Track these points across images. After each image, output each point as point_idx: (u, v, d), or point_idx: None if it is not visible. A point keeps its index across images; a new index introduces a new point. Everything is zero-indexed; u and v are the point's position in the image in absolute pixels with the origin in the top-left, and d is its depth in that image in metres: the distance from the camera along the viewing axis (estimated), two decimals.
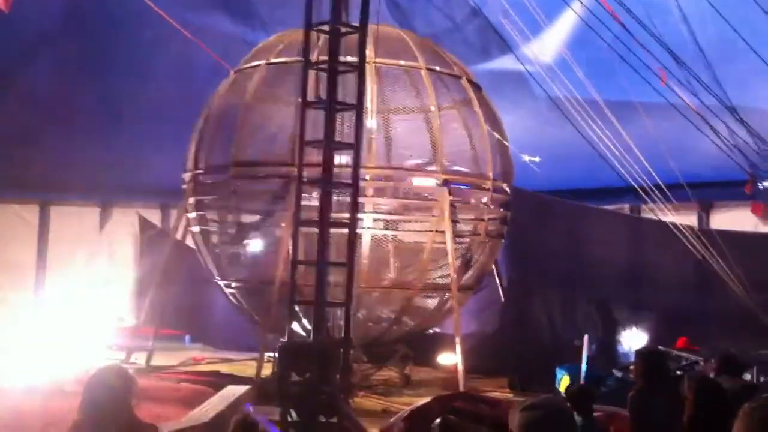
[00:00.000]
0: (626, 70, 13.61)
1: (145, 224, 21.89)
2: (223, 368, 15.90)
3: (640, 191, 13.08)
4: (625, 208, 18.78)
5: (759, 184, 16.26)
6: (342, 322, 9.36)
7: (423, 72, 14.30)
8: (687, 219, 14.58)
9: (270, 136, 14.38)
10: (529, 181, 15.91)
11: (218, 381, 13.43)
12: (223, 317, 18.92)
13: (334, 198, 9.29)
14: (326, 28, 9.33)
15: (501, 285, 16.29)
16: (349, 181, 9.32)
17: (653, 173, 13.07)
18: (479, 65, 17.89)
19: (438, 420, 9.19)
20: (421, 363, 16.03)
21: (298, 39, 12.82)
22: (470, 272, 15.09)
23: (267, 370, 13.07)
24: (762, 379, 10.96)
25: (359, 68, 9.43)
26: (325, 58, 9.32)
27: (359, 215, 11.23)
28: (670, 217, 13.70)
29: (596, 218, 16.90)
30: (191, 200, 15.08)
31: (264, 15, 20.44)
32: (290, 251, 10.82)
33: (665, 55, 13.68)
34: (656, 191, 13.06)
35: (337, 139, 9.27)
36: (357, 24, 9.41)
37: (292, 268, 9.59)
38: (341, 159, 9.53)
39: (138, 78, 20.53)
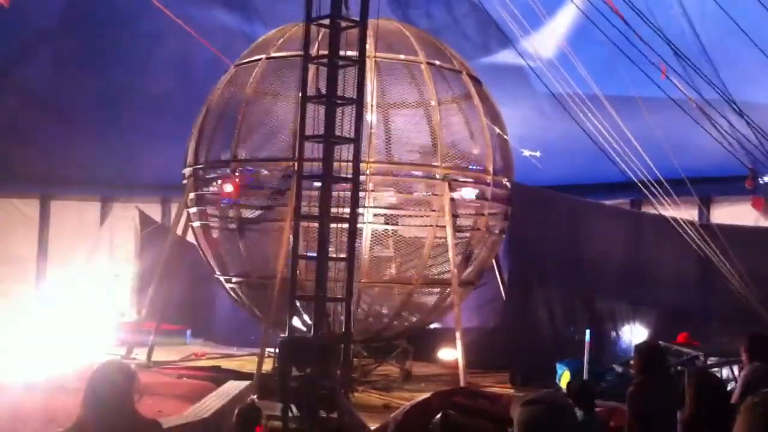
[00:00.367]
0: (627, 65, 13.58)
1: (145, 219, 21.90)
2: (224, 363, 15.91)
3: (641, 186, 13.06)
4: (626, 203, 18.76)
5: (759, 178, 16.24)
6: (342, 317, 9.38)
7: (423, 66, 14.28)
8: (687, 214, 14.54)
9: (270, 130, 14.37)
10: (529, 176, 15.89)
11: (219, 376, 13.46)
12: (224, 312, 18.94)
13: (334, 193, 9.29)
14: (326, 22, 9.32)
15: (501, 280, 16.28)
16: (350, 176, 9.31)
17: (654, 168, 13.04)
18: (479, 60, 17.86)
19: (438, 415, 9.19)
20: (421, 358, 16.03)
21: (298, 33, 12.83)
22: (471, 267, 15.08)
23: (268, 366, 13.09)
24: None
25: (359, 62, 9.43)
26: (326, 52, 9.32)
27: (359, 210, 11.22)
28: (670, 211, 13.68)
29: (597, 213, 16.87)
30: (192, 195, 15.07)
31: (263, 9, 20.41)
32: (290, 246, 10.82)
33: (666, 50, 13.65)
34: (657, 186, 13.04)
35: (338, 133, 9.26)
36: (357, 18, 9.40)
37: (292, 263, 9.60)
38: (341, 153, 9.52)
39: (138, 72, 20.53)
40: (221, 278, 15.29)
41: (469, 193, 14.44)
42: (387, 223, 13.99)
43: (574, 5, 14.52)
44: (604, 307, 15.44)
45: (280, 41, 14.65)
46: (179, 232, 16.05)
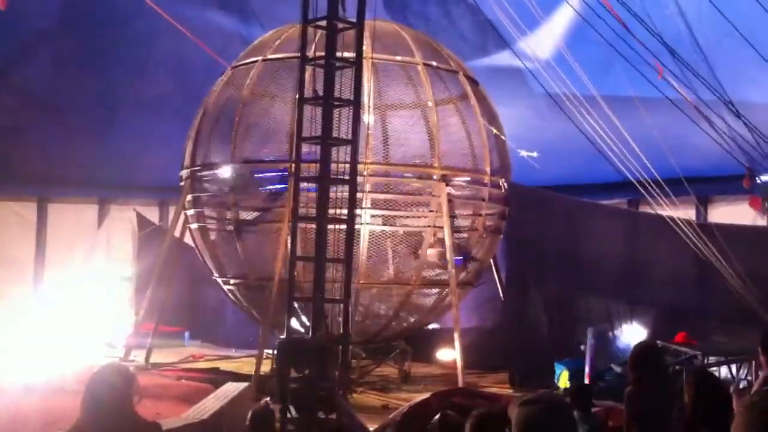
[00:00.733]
0: (623, 65, 13.60)
1: (143, 221, 21.87)
2: (223, 365, 15.91)
3: (638, 186, 13.07)
4: (623, 202, 18.78)
5: (757, 178, 16.26)
6: (341, 319, 9.37)
7: (420, 67, 14.30)
8: (685, 213, 14.56)
9: (267, 132, 14.37)
10: (526, 176, 15.90)
11: (217, 378, 13.44)
12: (222, 314, 18.93)
13: (332, 194, 9.28)
14: (323, 23, 9.32)
15: (500, 280, 16.29)
16: (347, 177, 9.32)
17: (651, 168, 13.06)
18: (476, 60, 17.87)
19: (437, 416, 9.19)
20: (420, 359, 16.04)
21: (294, 35, 12.84)
22: (469, 267, 15.09)
23: (266, 367, 13.08)
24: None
25: (356, 64, 9.43)
26: (322, 53, 9.32)
27: (357, 211, 11.22)
28: (668, 211, 13.69)
29: (594, 213, 16.89)
30: (189, 197, 15.07)
31: (260, 10, 20.41)
32: (288, 248, 10.82)
33: (662, 50, 13.67)
34: (654, 186, 13.05)
35: (335, 135, 9.26)
36: (354, 19, 9.41)
37: (290, 265, 9.59)
38: (339, 155, 9.52)
39: (136, 74, 20.53)
40: (219, 280, 15.28)
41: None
42: (384, 224, 13.99)
43: (570, 6, 14.54)
44: (602, 306, 15.45)
45: (276, 43, 14.65)
46: (177, 234, 16.04)
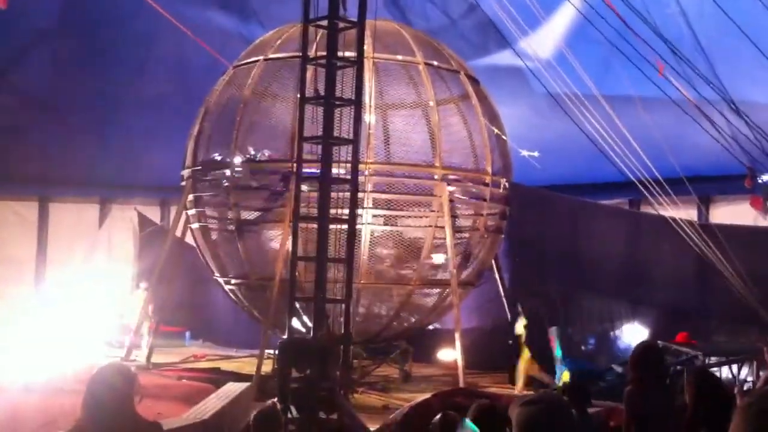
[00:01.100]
0: (624, 64, 13.59)
1: (144, 221, 21.88)
2: (224, 365, 15.91)
3: (640, 186, 13.06)
4: (624, 202, 18.77)
5: (758, 177, 16.24)
6: (342, 319, 9.37)
7: (421, 67, 14.29)
8: (686, 213, 14.55)
9: (269, 131, 14.37)
10: (528, 176, 15.90)
11: (219, 378, 13.45)
12: (223, 314, 18.94)
13: (333, 194, 9.28)
14: (324, 23, 9.32)
15: (501, 280, 16.29)
16: (348, 177, 9.31)
17: (652, 168, 13.04)
18: (477, 60, 17.86)
19: (438, 416, 9.18)
20: (420, 359, 16.04)
21: (296, 34, 12.82)
22: (470, 267, 15.08)
23: (267, 367, 13.08)
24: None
25: (357, 63, 9.42)
26: (324, 53, 9.31)
27: (358, 211, 11.22)
28: (669, 211, 13.68)
29: (596, 213, 16.88)
30: (190, 197, 15.07)
31: (261, 10, 20.41)
32: (289, 247, 10.81)
33: (664, 49, 13.66)
34: (655, 186, 13.04)
35: (336, 134, 9.26)
36: (355, 19, 9.40)
37: (291, 265, 9.59)
38: (340, 154, 9.51)
39: (136, 73, 20.53)
40: (220, 280, 15.29)
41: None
42: (386, 224, 13.99)
43: (572, 5, 14.53)
44: (603, 306, 15.44)
45: (278, 42, 14.65)
46: (178, 233, 16.04)
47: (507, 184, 15.18)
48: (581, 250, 15.82)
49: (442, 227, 13.85)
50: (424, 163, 14.15)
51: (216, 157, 14.62)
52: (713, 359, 11.88)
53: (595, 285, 15.57)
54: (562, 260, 15.76)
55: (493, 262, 16.06)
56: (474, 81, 15.22)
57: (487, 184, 14.59)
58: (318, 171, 9.46)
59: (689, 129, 14.36)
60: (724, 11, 13.69)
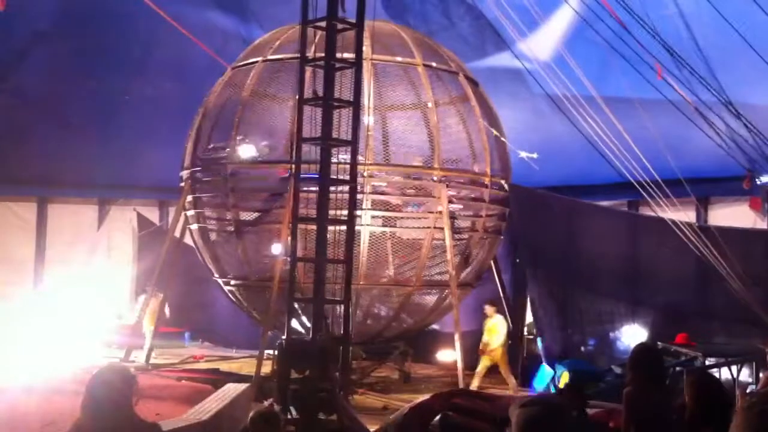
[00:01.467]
0: (623, 66, 13.59)
1: (143, 222, 21.88)
2: (223, 366, 15.92)
3: (638, 187, 13.06)
4: (623, 203, 18.77)
5: (757, 179, 16.24)
6: (341, 319, 9.37)
7: (420, 68, 14.30)
8: (685, 214, 14.54)
9: (267, 133, 14.37)
10: (526, 178, 15.90)
11: (218, 379, 13.45)
12: (222, 315, 18.94)
13: (332, 195, 9.28)
14: (323, 24, 9.32)
15: (500, 281, 16.29)
16: (347, 178, 9.31)
17: (651, 169, 13.04)
18: (475, 62, 17.86)
19: (438, 416, 9.19)
20: (420, 360, 16.04)
21: (294, 35, 12.86)
22: (469, 268, 15.09)
23: (267, 368, 13.08)
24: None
25: (356, 65, 9.43)
26: (322, 54, 9.31)
27: (357, 212, 11.23)
28: (668, 212, 13.69)
29: (595, 215, 16.88)
30: (189, 198, 15.07)
31: (259, 11, 20.40)
32: (289, 248, 10.81)
33: (662, 51, 13.66)
34: (654, 187, 13.04)
35: (335, 135, 9.26)
36: (353, 20, 9.40)
37: (291, 265, 9.59)
38: (339, 156, 9.52)
39: (135, 75, 20.52)
40: (219, 281, 15.29)
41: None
42: (385, 225, 14.00)
43: (570, 6, 14.54)
44: (603, 308, 15.45)
45: (276, 43, 14.66)
46: (177, 234, 16.05)
47: (506, 185, 15.20)
48: (580, 252, 15.82)
49: (441, 228, 13.86)
50: (423, 164, 14.16)
51: (215, 158, 14.62)
52: (713, 360, 11.88)
53: (595, 286, 15.57)
54: (561, 261, 15.76)
55: (492, 263, 16.07)
56: (473, 82, 15.24)
57: (486, 186, 14.61)
58: (317, 172, 9.46)
59: (688, 130, 14.36)
60: (722, 14, 13.70)
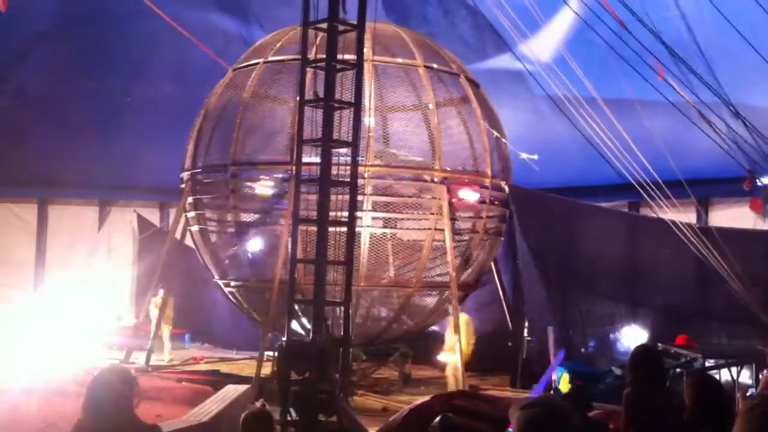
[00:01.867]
0: (624, 67, 13.59)
1: (143, 223, 21.89)
2: (223, 367, 15.91)
3: (639, 188, 13.06)
4: (624, 204, 18.77)
5: (757, 180, 16.24)
6: (341, 321, 9.36)
7: (420, 70, 14.30)
8: (685, 215, 14.55)
9: (268, 134, 14.38)
10: (527, 179, 15.90)
11: (218, 380, 13.45)
12: (222, 316, 18.94)
13: (333, 196, 9.27)
14: (324, 26, 9.31)
15: (500, 283, 16.28)
16: (348, 179, 9.31)
17: (652, 170, 13.05)
18: (476, 64, 17.87)
19: (438, 418, 9.19)
20: (420, 361, 16.03)
21: (295, 37, 12.83)
22: (469, 270, 15.08)
23: (267, 369, 13.08)
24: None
25: (357, 66, 9.42)
26: (323, 56, 9.31)
27: (358, 213, 11.23)
28: (668, 213, 13.68)
29: (595, 216, 16.88)
30: (190, 199, 15.07)
31: (260, 13, 20.42)
32: (289, 250, 10.81)
33: (663, 52, 13.67)
34: (654, 188, 13.04)
35: (335, 137, 9.26)
36: (354, 22, 9.40)
37: (291, 267, 9.59)
38: (339, 157, 9.51)
39: (135, 76, 20.53)
40: (220, 282, 15.28)
41: (469, 195, 14.43)
42: (385, 227, 13.99)
43: (570, 8, 14.53)
44: (603, 309, 15.44)
45: (277, 45, 14.66)
46: (178, 236, 16.05)
47: (506, 186, 15.19)
48: (581, 253, 15.81)
49: (442, 230, 13.85)
50: (423, 165, 14.16)
51: (215, 160, 14.62)
52: (713, 362, 11.87)
53: (595, 287, 15.57)
54: (561, 263, 15.75)
55: (492, 264, 16.06)
56: (474, 84, 15.24)
57: (486, 187, 14.60)
58: (317, 173, 9.45)
59: (688, 131, 14.36)
60: (723, 15, 13.69)
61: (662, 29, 13.84)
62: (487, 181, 14.55)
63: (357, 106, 9.38)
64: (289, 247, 10.90)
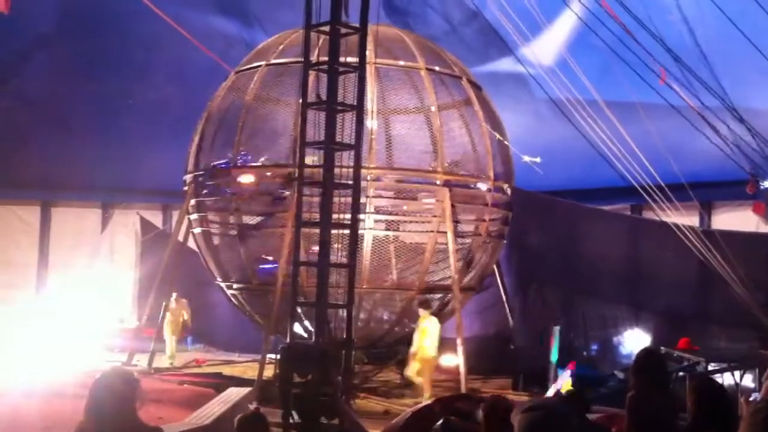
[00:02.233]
0: (626, 71, 13.59)
1: (146, 225, 21.91)
2: (225, 370, 15.91)
3: (642, 191, 13.06)
4: (626, 207, 18.77)
5: (760, 183, 16.22)
6: (344, 324, 9.36)
7: (423, 72, 14.30)
8: (688, 219, 14.54)
9: (271, 136, 14.39)
10: (529, 182, 15.90)
11: (220, 383, 13.46)
12: (225, 319, 18.95)
13: (335, 199, 9.28)
14: (326, 28, 9.32)
15: (503, 286, 16.27)
16: (350, 182, 9.31)
17: (654, 173, 13.04)
18: (478, 67, 17.87)
19: (440, 421, 9.17)
20: None
21: (297, 40, 12.84)
22: (472, 273, 15.08)
23: (269, 372, 13.08)
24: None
25: (359, 69, 9.42)
26: (326, 58, 9.32)
27: (360, 216, 11.22)
28: (671, 217, 13.67)
29: (598, 218, 16.88)
30: (192, 202, 15.08)
31: (262, 15, 20.44)
32: (292, 252, 10.80)
33: (665, 56, 13.66)
34: (657, 191, 13.04)
35: (338, 139, 9.27)
36: (357, 24, 9.41)
37: (293, 270, 9.59)
38: (342, 159, 9.52)
39: (138, 78, 20.55)
40: (222, 285, 15.29)
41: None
42: (388, 229, 13.99)
43: (573, 12, 14.54)
44: (606, 312, 15.44)
45: (280, 48, 14.67)
46: (180, 238, 16.06)
47: (509, 189, 15.19)
48: (583, 256, 15.81)
49: (444, 232, 13.85)
50: (426, 168, 14.15)
51: (218, 162, 14.63)
52: (715, 365, 11.86)
53: (597, 291, 15.57)
54: (564, 266, 15.75)
55: (495, 267, 16.05)
56: (476, 86, 15.24)
57: (489, 190, 14.60)
58: (320, 176, 9.46)
59: (691, 135, 14.35)
60: (728, 17, 13.68)
61: (664, 33, 13.84)
62: (490, 184, 14.55)
63: (359, 108, 9.38)
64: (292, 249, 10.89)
